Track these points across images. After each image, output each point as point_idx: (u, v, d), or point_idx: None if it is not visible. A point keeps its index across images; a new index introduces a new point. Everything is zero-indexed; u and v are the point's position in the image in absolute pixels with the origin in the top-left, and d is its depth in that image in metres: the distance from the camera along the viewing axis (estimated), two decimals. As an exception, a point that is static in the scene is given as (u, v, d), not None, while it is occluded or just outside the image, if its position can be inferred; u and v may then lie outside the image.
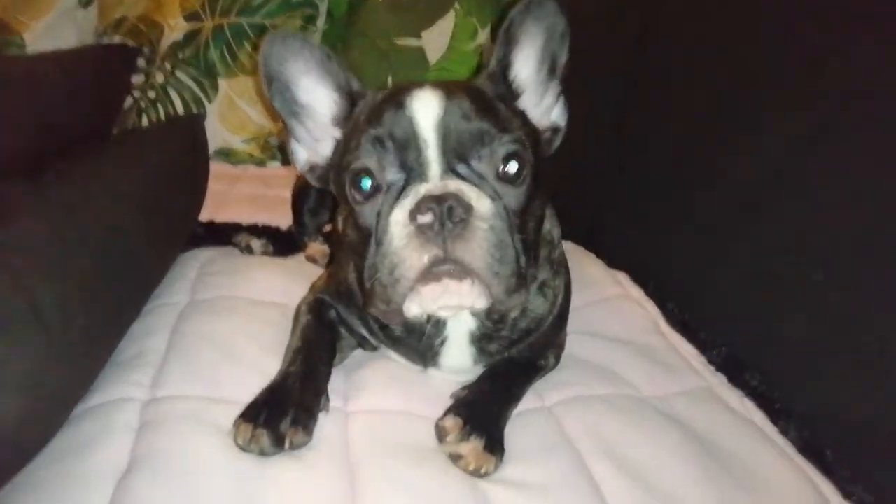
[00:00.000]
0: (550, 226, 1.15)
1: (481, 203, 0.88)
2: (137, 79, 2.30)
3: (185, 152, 1.58)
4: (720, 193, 1.37)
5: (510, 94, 1.04)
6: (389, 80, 2.23)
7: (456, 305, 0.93)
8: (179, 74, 2.26)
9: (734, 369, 1.21)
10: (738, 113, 1.37)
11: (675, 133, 1.53)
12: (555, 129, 1.08)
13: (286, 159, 2.21)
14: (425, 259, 0.86)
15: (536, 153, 0.98)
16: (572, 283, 1.23)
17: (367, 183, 0.93)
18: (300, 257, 1.64)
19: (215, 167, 2.03)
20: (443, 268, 0.86)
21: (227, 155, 2.27)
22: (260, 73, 1.02)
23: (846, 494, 0.96)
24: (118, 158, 1.33)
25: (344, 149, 1.00)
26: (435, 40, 2.26)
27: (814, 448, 1.02)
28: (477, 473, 0.94)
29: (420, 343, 1.10)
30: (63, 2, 2.41)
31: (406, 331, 1.10)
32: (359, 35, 2.32)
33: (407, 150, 0.92)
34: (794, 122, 1.25)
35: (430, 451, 0.98)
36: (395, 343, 1.14)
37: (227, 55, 2.25)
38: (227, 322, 1.24)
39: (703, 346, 1.28)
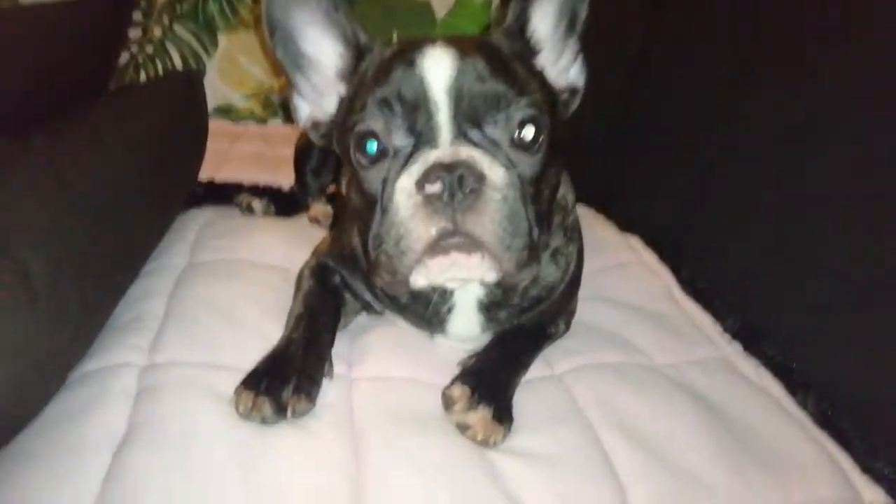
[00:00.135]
0: (565, 191, 1.10)
1: (494, 172, 0.82)
2: (134, 33, 2.23)
3: (183, 109, 1.52)
4: (740, 157, 1.31)
5: (527, 51, 0.98)
6: (395, 36, 2.15)
7: (464, 278, 0.89)
8: (178, 28, 2.18)
9: (750, 338, 1.17)
10: (760, 72, 1.31)
11: (694, 93, 1.46)
12: (572, 90, 1.02)
13: (288, 117, 2.15)
14: (433, 231, 0.81)
15: (553, 117, 0.92)
16: (584, 247, 1.19)
17: (372, 146, 0.88)
18: (302, 218, 1.60)
19: (215, 125, 1.97)
20: (451, 241, 0.81)
21: (227, 112, 2.21)
22: (262, 21, 0.97)
23: (865, 469, 0.93)
24: (113, 115, 1.27)
25: (349, 107, 0.95)
26: (443, -6, 2.18)
27: (832, 421, 0.99)
28: (485, 443, 0.91)
29: (427, 310, 1.06)
30: (55, -49, 2.31)
31: (412, 297, 1.06)
32: (363, -12, 2.23)
33: (416, 113, 0.86)
34: (818, 84, 1.19)
35: (436, 420, 0.95)
36: (401, 309, 1.11)
37: (226, 8, 2.17)
38: (228, 286, 1.20)
39: (717, 314, 1.24)
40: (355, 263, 1.12)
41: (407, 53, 0.90)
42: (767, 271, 1.21)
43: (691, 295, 1.31)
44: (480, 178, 0.81)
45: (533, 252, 0.87)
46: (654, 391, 1.04)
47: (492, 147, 0.86)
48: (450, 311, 1.07)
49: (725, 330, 1.21)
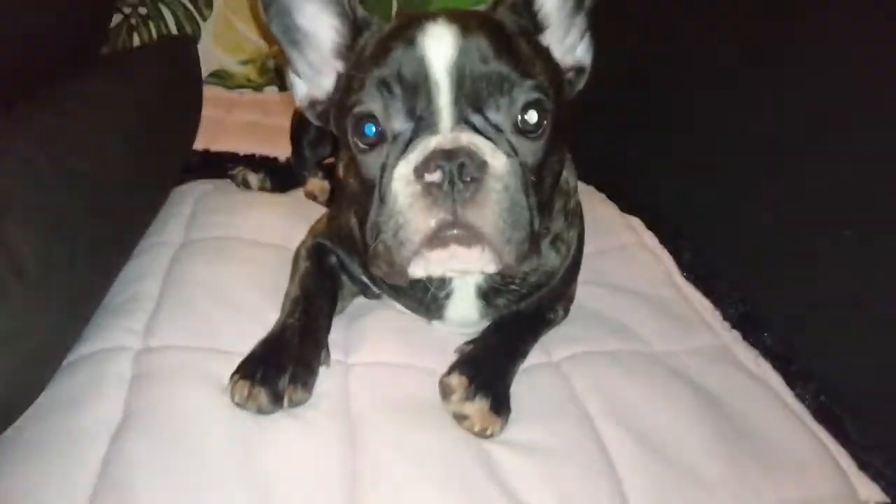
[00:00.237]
0: (567, 174, 1.08)
1: (496, 160, 0.80)
2: (127, -7, 2.16)
3: (175, 79, 1.48)
4: (746, 140, 1.28)
5: (533, 28, 0.94)
6: (394, 9, 2.08)
7: (463, 270, 0.87)
8: (171, -11, 2.11)
9: (750, 327, 1.16)
10: (768, 50, 1.27)
11: (699, 72, 1.42)
12: (578, 69, 0.99)
13: (284, 85, 2.09)
14: (432, 223, 0.79)
15: (558, 99, 0.89)
16: (585, 229, 1.17)
17: (370, 129, 0.85)
18: (299, 193, 1.57)
19: (210, 91, 1.93)
20: (451, 232, 0.79)
21: (222, 78, 2.16)
22: None
23: (862, 465, 0.93)
24: (104, 87, 1.24)
25: (346, 86, 0.92)
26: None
27: (831, 415, 0.98)
28: (482, 434, 0.90)
29: (425, 296, 1.05)
30: None
31: (410, 283, 1.04)
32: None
33: (416, 96, 0.83)
34: (829, 69, 1.15)
35: (433, 409, 0.94)
36: (399, 293, 1.09)
37: (221, -32, 2.10)
38: (223, 265, 1.19)
39: (718, 301, 1.23)
40: (352, 245, 1.10)
41: (407, 30, 0.86)
42: (769, 258, 1.20)
43: (692, 280, 1.29)
44: (482, 166, 0.79)
45: (534, 243, 0.85)
46: (652, 381, 1.03)
47: (494, 132, 0.83)
48: (448, 296, 1.05)
49: (725, 318, 1.20)
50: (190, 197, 1.43)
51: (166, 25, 2.12)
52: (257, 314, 1.06)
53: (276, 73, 2.17)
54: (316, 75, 0.99)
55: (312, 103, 1.00)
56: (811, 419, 1.00)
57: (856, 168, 1.09)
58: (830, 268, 1.09)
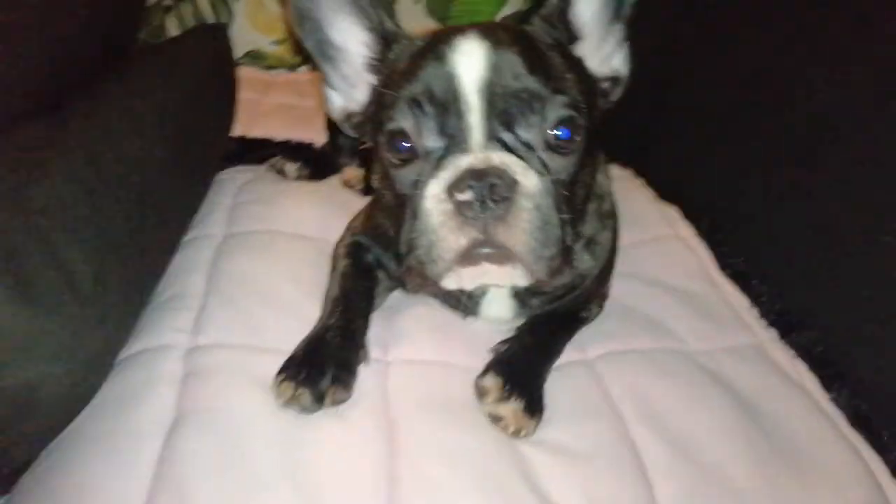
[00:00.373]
0: (601, 177, 1.07)
1: (527, 179, 0.80)
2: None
3: (211, 70, 1.50)
4: (790, 135, 1.25)
5: (568, 38, 0.93)
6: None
7: (495, 284, 0.89)
8: (204, -32, 2.11)
9: (787, 327, 1.15)
10: (816, 44, 1.23)
11: (748, 65, 1.38)
12: (614, 79, 0.98)
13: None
14: (464, 241, 0.80)
15: (591, 113, 0.89)
16: (620, 218, 1.17)
17: (403, 147, 0.87)
18: (335, 181, 1.59)
19: (245, 73, 1.95)
20: (482, 251, 0.81)
21: (256, 59, 2.16)
22: (290, 11, 0.94)
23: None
24: (142, 86, 1.25)
25: (379, 101, 0.93)
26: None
27: (866, 419, 0.98)
28: (516, 435, 0.93)
29: (460, 295, 1.07)
30: None
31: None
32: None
33: (447, 114, 0.84)
34: (880, 60, 1.12)
35: (468, 408, 0.97)
36: (435, 291, 1.11)
37: (254, -53, 2.08)
38: (264, 260, 1.22)
39: (755, 298, 1.22)
40: (388, 242, 1.12)
41: (438, 47, 0.87)
42: (809, 258, 1.18)
43: (729, 276, 1.29)
44: (512, 185, 0.79)
45: (565, 257, 0.86)
46: (686, 381, 1.04)
47: (525, 150, 0.84)
48: (483, 295, 1.07)
49: (762, 315, 1.19)
50: (229, 187, 1.46)
51: (199, 6, 2.12)
52: (298, 310, 1.10)
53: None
54: (350, 88, 1.00)
55: (348, 116, 1.02)
56: (846, 423, 1.00)
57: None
58: (870, 271, 1.07)
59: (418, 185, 0.85)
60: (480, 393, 0.97)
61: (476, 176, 0.79)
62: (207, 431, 0.88)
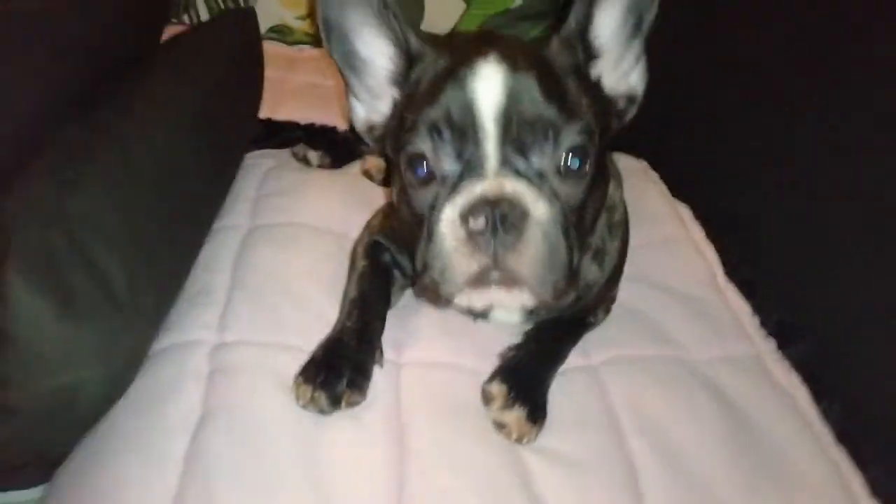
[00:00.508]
0: (612, 189, 1.10)
1: (538, 208, 0.85)
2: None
3: (239, 58, 1.52)
4: (801, 142, 1.26)
5: (585, 59, 0.95)
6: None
7: (503, 305, 0.93)
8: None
9: (785, 338, 1.19)
10: (828, 49, 1.22)
11: (761, 69, 1.37)
12: (630, 98, 0.99)
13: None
14: (475, 267, 0.85)
15: (603, 137, 0.92)
16: (630, 215, 1.20)
17: (422, 169, 0.91)
18: (356, 169, 1.63)
19: (270, 48, 1.96)
20: (492, 275, 0.86)
21: (281, 33, 2.17)
22: (318, 22, 0.96)
23: (874, 492, 0.97)
24: (172, 79, 1.29)
25: (401, 118, 0.96)
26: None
27: (853, 438, 1.03)
28: (518, 442, 0.99)
29: None
30: None
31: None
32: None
33: (464, 139, 0.87)
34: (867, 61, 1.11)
35: (475, 413, 1.03)
36: (447, 295, 1.16)
37: (278, -80, 2.07)
38: (287, 254, 1.26)
39: (757, 306, 1.25)
40: (404, 244, 1.16)
41: (459, 70, 0.89)
42: (813, 268, 1.21)
43: (735, 282, 1.32)
44: (523, 215, 0.84)
45: (572, 280, 0.90)
46: (685, 393, 1.08)
47: (537, 178, 0.87)
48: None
49: (762, 324, 1.23)
50: (254, 175, 1.51)
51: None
52: (319, 308, 1.15)
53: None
54: (374, 100, 1.03)
55: (370, 128, 1.05)
56: (832, 443, 1.04)
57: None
58: (872, 290, 1.10)
59: (435, 207, 0.90)
60: (486, 399, 1.03)
61: (489, 204, 0.83)
62: (231, 429, 0.94)
